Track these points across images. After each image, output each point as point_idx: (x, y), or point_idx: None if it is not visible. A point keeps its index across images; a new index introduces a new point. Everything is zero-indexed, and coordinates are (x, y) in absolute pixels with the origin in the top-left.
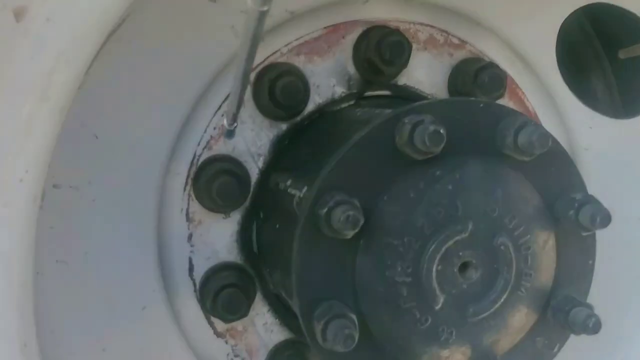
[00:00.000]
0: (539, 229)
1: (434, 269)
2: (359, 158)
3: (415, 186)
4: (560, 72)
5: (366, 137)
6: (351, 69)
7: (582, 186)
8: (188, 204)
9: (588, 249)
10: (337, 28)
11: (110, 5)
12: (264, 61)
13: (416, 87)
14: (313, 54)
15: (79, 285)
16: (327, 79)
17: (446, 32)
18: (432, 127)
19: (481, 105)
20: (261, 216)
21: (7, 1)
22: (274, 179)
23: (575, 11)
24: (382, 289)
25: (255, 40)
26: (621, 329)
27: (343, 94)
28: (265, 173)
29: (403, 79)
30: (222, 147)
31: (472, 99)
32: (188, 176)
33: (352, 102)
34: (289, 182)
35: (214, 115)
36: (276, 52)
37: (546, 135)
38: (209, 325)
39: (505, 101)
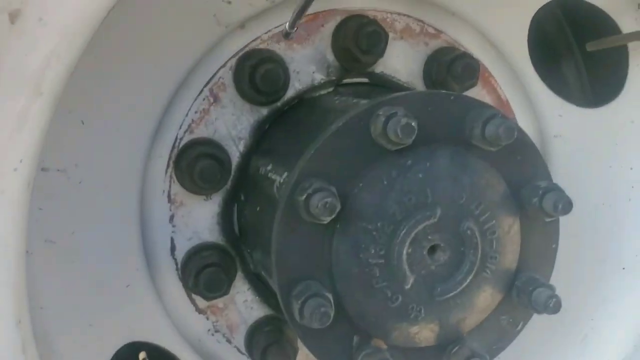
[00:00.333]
0: (504, 214)
1: (405, 252)
2: (336, 147)
3: (389, 174)
4: (532, 61)
5: (343, 127)
6: (330, 56)
7: (546, 174)
8: (170, 186)
9: (551, 234)
10: (316, 16)
11: (97, 4)
12: (244, 47)
13: (393, 75)
14: (293, 41)
15: (66, 263)
16: (306, 66)
17: (422, 21)
18: (404, 120)
19: (452, 97)
20: (242, 198)
21: (3, 5)
22: (255, 162)
23: (548, 2)
24: (357, 270)
25: None
26: (583, 308)
27: (322, 81)
28: (246, 156)
29: (380, 67)
30: (203, 131)
31: (443, 91)
32: (170, 159)
33: (330, 89)
34: (269, 167)
35: (195, 99)
36: (257, 38)
37: (512, 127)
38: (190, 303)
39: (479, 89)
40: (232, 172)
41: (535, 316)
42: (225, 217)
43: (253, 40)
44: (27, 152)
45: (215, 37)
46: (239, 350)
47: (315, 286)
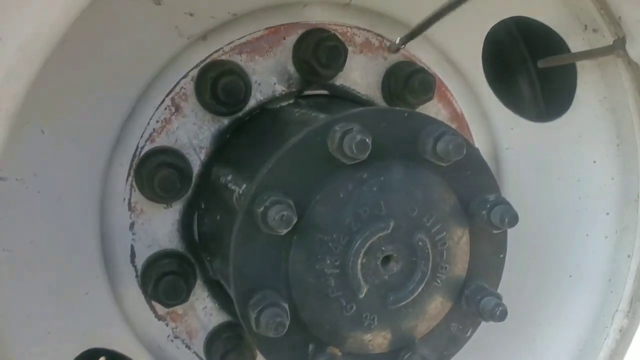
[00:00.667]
0: (454, 226)
1: (359, 262)
2: (294, 160)
3: (345, 187)
4: (486, 76)
5: (301, 142)
6: (291, 68)
7: (495, 188)
8: (130, 194)
9: (499, 245)
10: (277, 29)
11: (56, 22)
12: (206, 58)
13: (352, 87)
14: (254, 53)
15: (23, 272)
16: (268, 77)
17: (381, 36)
18: (359, 137)
19: (405, 114)
20: (202, 207)
21: None
22: (216, 171)
23: (503, 20)
24: (313, 280)
25: None
26: (532, 313)
27: (283, 92)
28: (207, 165)
29: (340, 80)
30: (164, 140)
31: (398, 109)
32: (131, 167)
33: (291, 100)
34: (229, 177)
35: (157, 108)
36: (219, 50)
37: (461, 144)
38: (150, 309)
39: (435, 103)
40: (193, 181)
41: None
42: (185, 225)
43: (215, 52)
44: None
45: (177, 49)
46: (198, 356)
47: (272, 296)
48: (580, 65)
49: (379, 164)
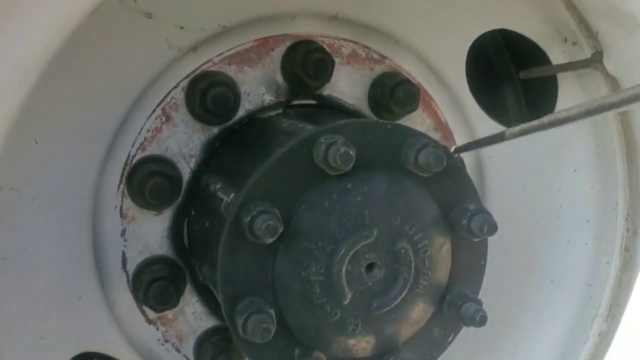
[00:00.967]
0: (436, 235)
1: (344, 269)
2: (281, 171)
3: (330, 197)
4: (470, 86)
5: (287, 153)
6: (280, 79)
7: (475, 198)
8: (122, 202)
9: (480, 252)
10: (266, 41)
11: (51, 41)
12: (197, 69)
13: (339, 97)
14: (244, 64)
15: (17, 278)
16: (256, 88)
17: (368, 47)
18: (343, 149)
19: (389, 126)
20: (192, 213)
21: None
22: (205, 179)
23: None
24: (298, 287)
25: None
26: (514, 318)
27: (272, 102)
28: (197, 173)
29: (327, 90)
30: (155, 148)
31: (381, 121)
32: (122, 175)
33: (280, 110)
34: (218, 185)
35: (148, 118)
36: (209, 61)
37: (442, 156)
38: (141, 314)
39: (420, 112)
40: (183, 188)
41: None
42: (175, 231)
43: (205, 63)
44: None
45: (167, 60)
46: (188, 359)
47: (259, 302)
48: (561, 76)
49: (363, 174)
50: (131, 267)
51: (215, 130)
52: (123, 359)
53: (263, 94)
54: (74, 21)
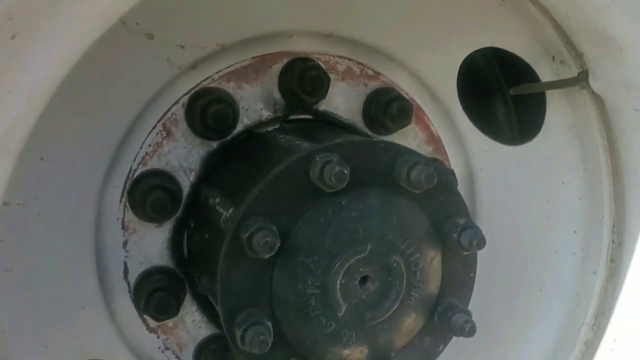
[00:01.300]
0: (427, 248)
1: (338, 283)
2: (278, 188)
3: (325, 213)
4: (461, 101)
5: (284, 171)
6: (277, 94)
7: (465, 212)
8: (124, 214)
9: (469, 265)
10: (264, 58)
11: (59, 71)
12: (196, 86)
13: (335, 112)
14: (242, 80)
15: (24, 290)
16: (254, 103)
17: (362, 64)
18: (338, 168)
19: (382, 145)
20: (192, 226)
21: None
22: (205, 193)
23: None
24: (295, 300)
25: None
26: (504, 326)
27: (269, 117)
28: (196, 186)
29: (323, 106)
30: (156, 162)
31: (375, 139)
32: (124, 189)
33: (277, 125)
34: (217, 200)
35: (149, 133)
36: (208, 78)
37: (432, 174)
38: (142, 322)
39: (413, 126)
40: (183, 202)
41: None
42: (175, 243)
43: (204, 80)
44: None
45: (168, 78)
46: None
47: (256, 315)
48: (550, 93)
49: (358, 191)
50: (132, 278)
51: (214, 145)
52: None
53: (261, 109)
54: (82, 50)
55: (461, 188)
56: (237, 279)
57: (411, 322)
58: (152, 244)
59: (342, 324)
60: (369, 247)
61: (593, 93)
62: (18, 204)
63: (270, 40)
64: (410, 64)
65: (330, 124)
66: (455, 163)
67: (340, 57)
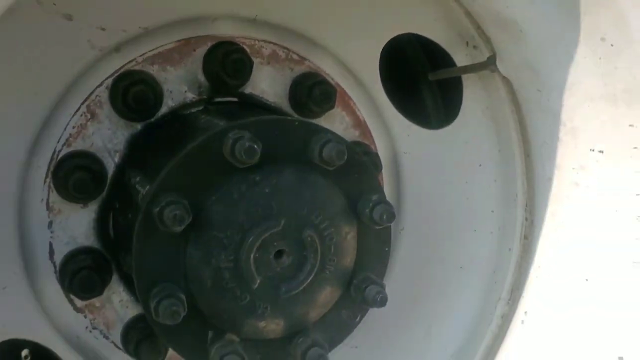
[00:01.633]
0: (342, 223)
1: (252, 257)
2: (192, 164)
3: (238, 189)
4: (385, 86)
5: (198, 147)
6: (201, 77)
7: (378, 189)
8: (48, 195)
9: (384, 239)
10: (188, 42)
11: None
12: (120, 69)
13: (261, 96)
14: (166, 63)
15: None
16: (179, 86)
17: (287, 49)
18: (248, 144)
19: (296, 123)
20: (117, 206)
21: None
22: (128, 173)
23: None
24: (208, 274)
25: None
26: (426, 302)
27: (194, 99)
28: (121, 167)
29: (249, 88)
30: (80, 144)
31: (289, 117)
32: (48, 169)
33: (201, 107)
34: (137, 179)
35: (73, 115)
36: (132, 61)
37: (342, 151)
38: (68, 302)
39: (339, 111)
40: (108, 182)
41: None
42: (101, 223)
43: (128, 63)
44: None
45: (91, 60)
46: (115, 345)
47: (170, 288)
48: (466, 78)
49: (272, 167)
50: (58, 258)
51: (138, 126)
52: (50, 346)
53: (185, 91)
54: None
55: (386, 171)
56: (151, 253)
57: (327, 295)
58: (78, 225)
59: (257, 296)
60: (282, 222)
61: (502, 77)
62: None
63: (193, 24)
64: (333, 49)
65: (257, 106)
66: (380, 146)
67: (265, 41)
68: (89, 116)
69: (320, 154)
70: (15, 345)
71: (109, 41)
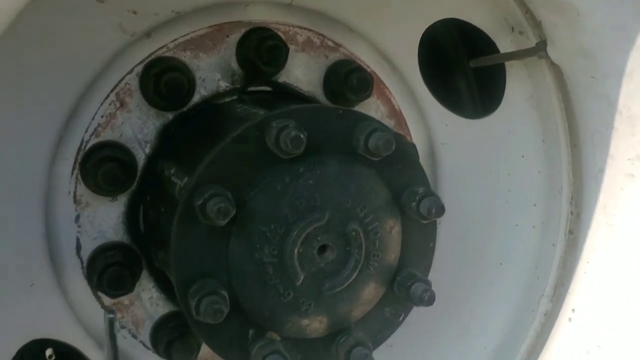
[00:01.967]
0: (386, 217)
1: (296, 251)
2: (234, 154)
3: (282, 180)
4: (422, 74)
5: (239, 137)
6: (235, 65)
7: (424, 181)
8: (75, 187)
9: (429, 234)
10: (221, 28)
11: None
12: (150, 55)
13: (294, 84)
14: (199, 50)
15: None
16: (212, 74)
17: (322, 35)
18: (294, 132)
19: (340, 112)
20: (148, 199)
21: None
22: (160, 165)
23: (440, 20)
24: (251, 269)
25: None
26: (465, 299)
27: (227, 88)
28: (152, 159)
29: (283, 77)
30: (109, 134)
31: (332, 106)
32: (76, 161)
33: (235, 96)
34: (172, 170)
35: (102, 103)
36: (163, 47)
37: (390, 140)
38: (96, 300)
39: (374, 100)
40: (138, 174)
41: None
42: (130, 217)
43: (160, 49)
44: None
45: (121, 45)
46: (144, 345)
47: (212, 284)
48: (509, 65)
49: (315, 158)
50: (85, 253)
51: (170, 116)
52: (77, 346)
53: (218, 80)
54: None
55: (423, 162)
56: (191, 248)
57: (370, 291)
58: (106, 219)
59: (301, 293)
60: (327, 215)
61: (551, 63)
62: None
63: (226, 8)
64: (371, 36)
65: (291, 95)
66: (416, 137)
67: (300, 27)
68: (118, 105)
69: (366, 143)
70: (42, 345)
71: (140, 25)
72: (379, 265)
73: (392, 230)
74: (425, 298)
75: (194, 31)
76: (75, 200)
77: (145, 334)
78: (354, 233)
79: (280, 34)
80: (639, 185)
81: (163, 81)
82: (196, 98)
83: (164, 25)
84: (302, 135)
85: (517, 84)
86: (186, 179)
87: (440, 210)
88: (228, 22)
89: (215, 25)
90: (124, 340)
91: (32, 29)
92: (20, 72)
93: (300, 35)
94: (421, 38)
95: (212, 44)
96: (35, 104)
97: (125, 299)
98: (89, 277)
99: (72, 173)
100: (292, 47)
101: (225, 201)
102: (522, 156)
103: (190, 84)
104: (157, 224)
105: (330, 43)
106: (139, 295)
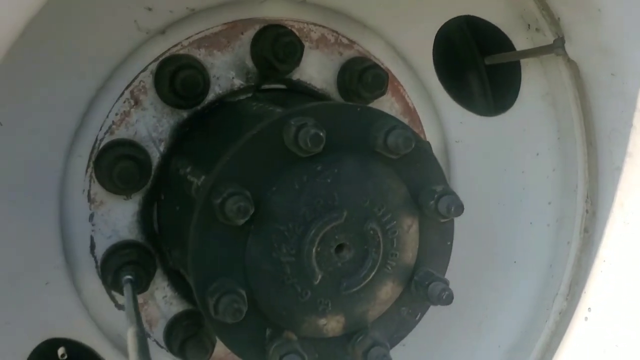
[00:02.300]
0: (404, 216)
1: (314, 250)
2: (251, 153)
3: (300, 179)
4: (437, 72)
5: (258, 135)
6: (249, 63)
7: (442, 179)
8: (90, 186)
9: (446, 233)
10: (235, 25)
11: (15, 22)
12: (165, 52)
13: (308, 82)
14: (213, 47)
15: None
16: (226, 72)
17: (336, 32)
18: (313, 130)
19: (358, 109)
20: (162, 198)
21: None
22: (175, 163)
23: (454, 17)
24: (269, 268)
25: None
26: (479, 298)
27: (242, 86)
28: (166, 157)
29: (297, 75)
30: (123, 132)
31: (351, 103)
32: (90, 159)
33: (250, 94)
34: (188, 169)
35: (116, 101)
36: (177, 44)
37: (410, 138)
38: (110, 299)
39: (388, 97)
40: (153, 173)
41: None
42: (145, 216)
43: (174, 46)
44: None
45: (135, 42)
46: (158, 343)
47: (230, 283)
48: (525, 62)
49: (333, 156)
50: (100, 252)
51: (184, 114)
52: (91, 345)
53: (233, 78)
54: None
55: None
56: (209, 246)
57: (388, 290)
58: (121, 217)
59: (318, 292)
60: (345, 214)
61: (568, 60)
62: None
63: (241, 5)
64: (385, 33)
65: (305, 93)
66: (430, 135)
67: (314, 24)
68: (132, 102)
69: (385, 141)
70: (56, 344)
71: (155, 23)
72: (396, 264)
73: (410, 229)
74: (444, 297)
75: (208, 28)
76: (90, 199)
77: (159, 332)
78: (371, 232)
79: (294, 31)
80: None
81: (178, 79)
82: (211, 96)
83: (179, 22)
84: (321, 133)
85: (533, 81)
86: (203, 177)
87: (460, 208)
88: (242, 19)
89: (229, 22)
90: None
91: (47, 27)
92: (35, 70)
93: (315, 32)
94: (436, 35)
95: (227, 42)
96: (49, 101)
97: (139, 298)
98: (103, 276)
99: (87, 171)
100: (306, 44)
101: (245, 200)
102: (537, 154)
103: (205, 82)
104: (171, 223)
105: (344, 40)
106: (152, 294)
